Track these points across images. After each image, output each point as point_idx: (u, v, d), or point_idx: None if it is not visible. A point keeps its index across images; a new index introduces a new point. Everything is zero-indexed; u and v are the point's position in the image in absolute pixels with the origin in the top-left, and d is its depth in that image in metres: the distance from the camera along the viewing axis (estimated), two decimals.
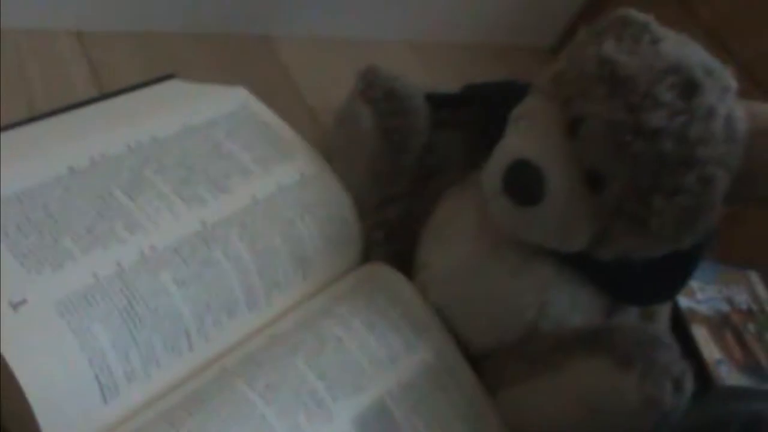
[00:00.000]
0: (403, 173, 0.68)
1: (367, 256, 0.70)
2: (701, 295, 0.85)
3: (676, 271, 0.64)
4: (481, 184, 0.61)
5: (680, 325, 0.77)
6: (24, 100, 0.71)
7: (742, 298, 0.87)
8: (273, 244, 0.62)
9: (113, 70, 0.76)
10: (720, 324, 0.82)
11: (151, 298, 0.54)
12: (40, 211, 0.55)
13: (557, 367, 0.61)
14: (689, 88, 0.53)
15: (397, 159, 0.67)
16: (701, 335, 0.80)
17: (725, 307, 0.84)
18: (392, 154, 0.67)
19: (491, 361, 0.67)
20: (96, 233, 0.55)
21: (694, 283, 0.85)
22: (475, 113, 0.69)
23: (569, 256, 0.61)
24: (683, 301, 0.82)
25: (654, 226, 0.55)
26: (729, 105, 0.54)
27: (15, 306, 0.50)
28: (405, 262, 0.69)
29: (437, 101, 0.69)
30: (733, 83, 0.55)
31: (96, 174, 0.59)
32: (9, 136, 0.61)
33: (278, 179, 0.65)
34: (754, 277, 0.90)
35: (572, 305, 0.63)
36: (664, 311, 0.69)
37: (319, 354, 0.59)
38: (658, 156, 0.53)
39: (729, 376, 0.77)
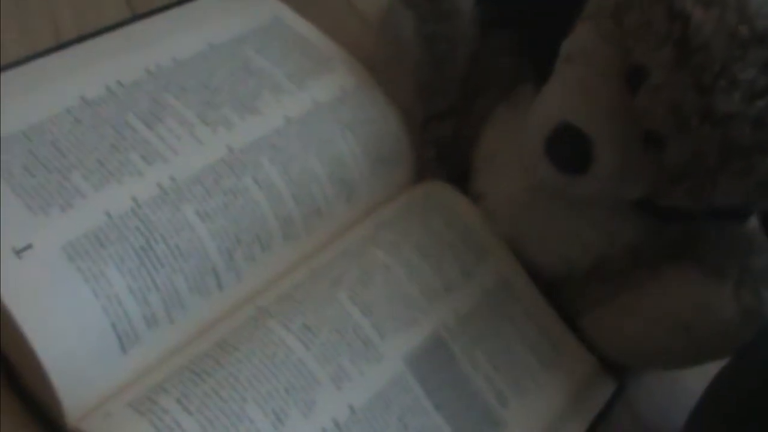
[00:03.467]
0: (451, 85, 0.59)
1: (419, 177, 0.62)
2: None
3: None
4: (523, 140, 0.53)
5: None
6: (52, 29, 0.64)
7: None
8: (310, 167, 0.54)
9: None
10: None
11: (172, 235, 0.47)
12: (48, 147, 0.48)
13: (642, 285, 0.54)
14: None
15: (443, 69, 0.58)
16: None
17: None
18: (437, 64, 0.58)
19: (568, 286, 0.58)
20: (109, 167, 0.48)
21: None
22: (529, 11, 0.58)
23: None
24: None
25: (718, 201, 0.46)
26: None
27: (18, 252, 0.43)
28: (459, 186, 0.61)
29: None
30: None
31: (111, 103, 0.51)
32: (22, 70, 0.54)
33: (315, 95, 0.57)
34: None
35: (643, 232, 0.55)
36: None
37: (365, 287, 0.51)
38: (729, 141, 0.43)
39: None
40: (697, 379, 0.52)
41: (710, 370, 0.50)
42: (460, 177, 0.61)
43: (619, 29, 0.46)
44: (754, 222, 0.56)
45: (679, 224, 0.54)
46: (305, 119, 0.55)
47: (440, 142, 0.60)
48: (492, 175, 0.59)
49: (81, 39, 0.60)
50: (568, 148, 0.48)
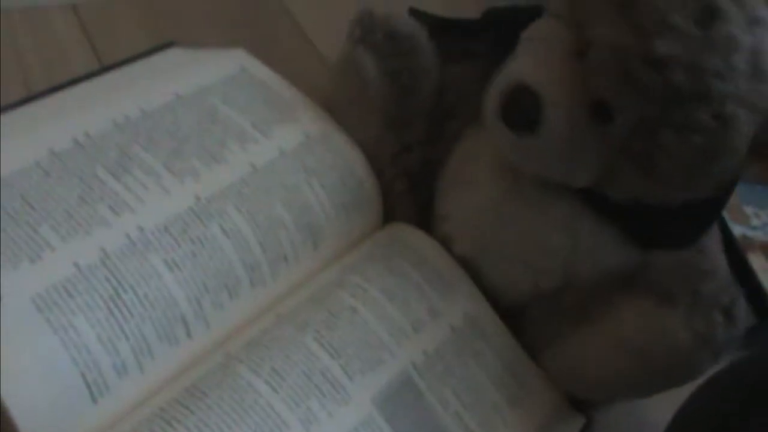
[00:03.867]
0: (418, 118, 0.61)
1: (390, 216, 0.62)
2: (757, 221, 0.77)
3: (700, 215, 0.55)
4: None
5: (734, 254, 0.68)
6: (21, 81, 0.65)
7: None
8: (276, 214, 0.55)
9: (112, 41, 0.69)
10: None
11: (140, 285, 0.48)
12: (17, 200, 0.49)
13: (598, 317, 0.55)
14: (708, 14, 0.45)
15: (409, 103, 0.60)
16: (759, 264, 0.72)
17: None
18: (403, 99, 0.60)
19: (528, 321, 0.59)
20: (77, 219, 0.49)
21: (748, 209, 0.77)
22: (494, 42, 0.60)
23: (590, 194, 0.54)
24: (737, 228, 0.73)
25: (663, 166, 0.48)
26: (758, 38, 0.45)
27: None
28: (432, 214, 0.62)
29: (452, 29, 0.61)
30: (766, 14, 0.46)
31: (79, 155, 0.52)
32: None
33: (280, 143, 0.58)
34: None
35: (605, 243, 0.55)
36: (711, 241, 0.59)
37: (332, 330, 0.52)
38: (668, 87, 0.45)
39: None
40: (664, 410, 0.52)
41: (678, 399, 0.50)
42: (430, 208, 0.62)
43: (572, 8, 0.49)
44: (709, 247, 0.58)
45: (637, 235, 0.55)
46: (271, 167, 0.56)
47: (410, 174, 0.61)
48: (456, 193, 0.60)
49: (50, 91, 0.61)
50: (520, 106, 0.50)
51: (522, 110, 0.50)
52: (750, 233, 0.76)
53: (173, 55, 0.65)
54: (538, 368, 0.59)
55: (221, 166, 0.55)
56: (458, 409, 0.53)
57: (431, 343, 0.55)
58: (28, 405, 0.43)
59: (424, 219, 0.62)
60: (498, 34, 0.60)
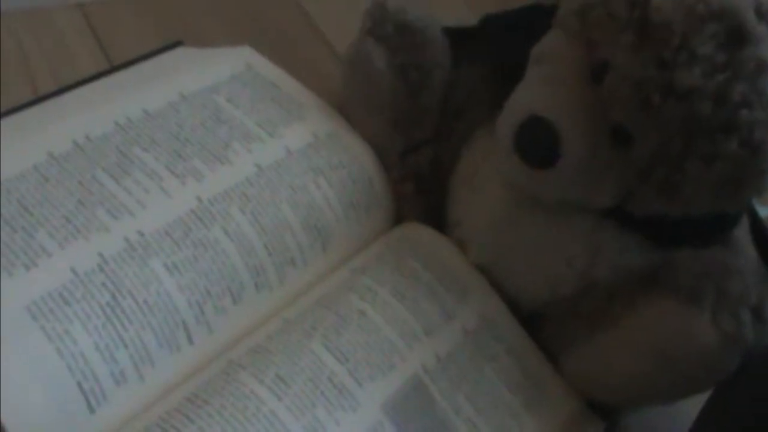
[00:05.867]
0: (427, 115, 0.58)
1: (399, 217, 0.60)
2: None
3: (727, 217, 0.52)
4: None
5: (762, 237, 0.64)
6: (29, 85, 0.63)
7: None
8: (282, 216, 0.53)
9: (120, 40, 0.68)
10: None
11: (139, 290, 0.46)
12: (14, 205, 0.47)
13: (618, 319, 0.51)
14: (735, 37, 0.42)
15: (418, 99, 0.57)
16: None
17: None
18: (412, 94, 0.57)
19: (548, 325, 0.57)
20: (75, 224, 0.47)
21: None
22: (498, 46, 0.58)
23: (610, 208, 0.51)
24: (763, 210, 0.70)
25: (687, 191, 0.45)
26: None
27: None
28: (442, 217, 0.59)
29: (455, 36, 0.58)
30: None
31: (78, 158, 0.51)
32: None
33: (287, 143, 0.56)
34: None
35: (626, 248, 0.52)
36: (739, 231, 0.56)
37: (339, 334, 0.50)
38: (693, 119, 0.42)
39: None
40: (693, 404, 0.50)
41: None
42: (439, 210, 0.59)
43: (583, 25, 0.46)
44: (736, 239, 0.54)
45: (661, 239, 0.52)
46: (276, 167, 0.54)
47: (418, 174, 0.59)
48: (469, 199, 0.57)
49: (56, 93, 0.59)
50: (537, 141, 0.48)
51: (539, 145, 0.48)
52: None
53: (180, 54, 0.64)
54: (556, 372, 0.56)
55: (225, 167, 0.53)
56: (471, 415, 0.51)
57: (444, 347, 0.53)
58: (21, 415, 0.41)
59: (434, 221, 0.59)
60: (497, 39, 0.57)
